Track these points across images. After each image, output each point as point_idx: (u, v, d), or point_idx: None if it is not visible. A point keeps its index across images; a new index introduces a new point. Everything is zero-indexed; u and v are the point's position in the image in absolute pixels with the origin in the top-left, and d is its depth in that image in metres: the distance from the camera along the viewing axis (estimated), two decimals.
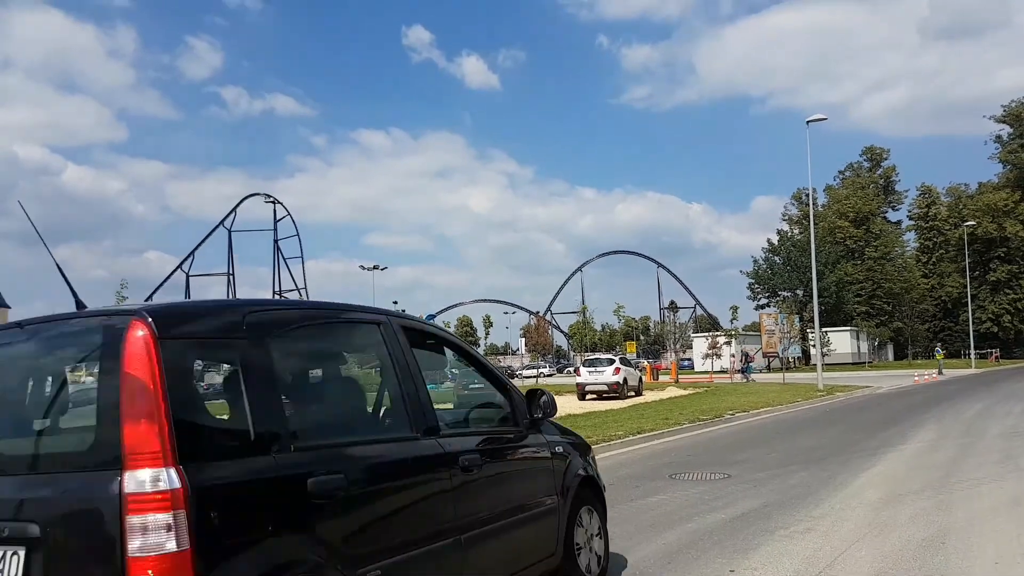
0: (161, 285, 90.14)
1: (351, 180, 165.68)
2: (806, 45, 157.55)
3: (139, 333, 2.61)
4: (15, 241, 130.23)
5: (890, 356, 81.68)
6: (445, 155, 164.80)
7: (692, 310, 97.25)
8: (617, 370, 27.49)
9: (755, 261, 77.67)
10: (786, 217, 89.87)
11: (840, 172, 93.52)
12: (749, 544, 5.93)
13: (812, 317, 41.94)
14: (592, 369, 28.41)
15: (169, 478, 2.46)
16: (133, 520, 2.41)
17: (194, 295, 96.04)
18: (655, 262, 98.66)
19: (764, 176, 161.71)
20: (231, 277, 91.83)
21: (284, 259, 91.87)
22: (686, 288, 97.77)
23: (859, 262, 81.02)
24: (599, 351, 75.38)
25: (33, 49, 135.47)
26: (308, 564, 2.81)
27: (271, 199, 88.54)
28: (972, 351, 60.51)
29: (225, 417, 2.92)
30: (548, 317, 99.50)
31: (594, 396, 27.33)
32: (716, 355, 54.13)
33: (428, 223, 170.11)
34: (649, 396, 27.57)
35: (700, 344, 67.01)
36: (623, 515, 6.96)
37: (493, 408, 4.64)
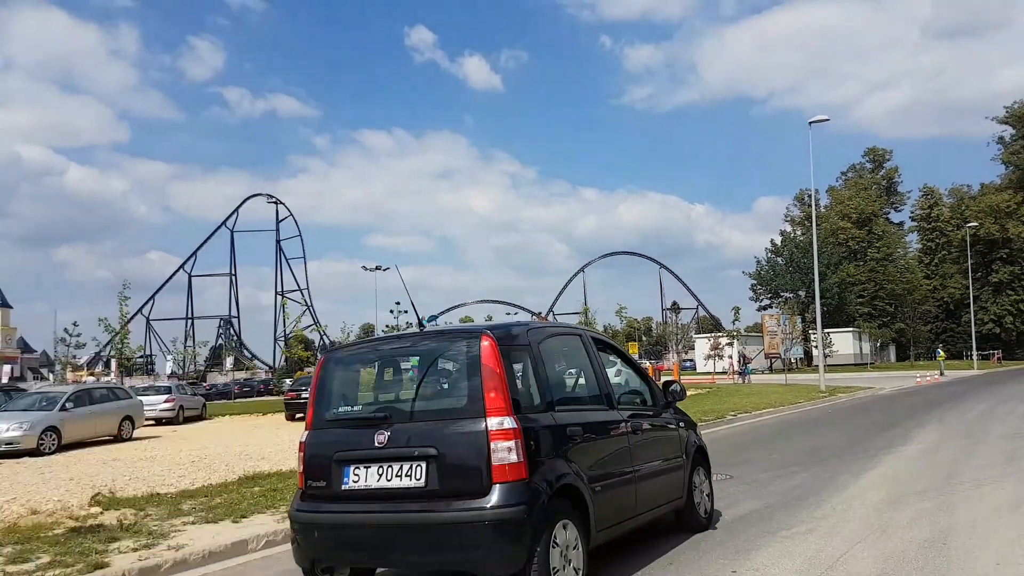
0: (163, 285, 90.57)
1: (353, 180, 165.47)
2: (808, 45, 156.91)
3: (486, 343, 4.61)
4: (15, 241, 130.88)
5: (892, 357, 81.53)
6: (447, 156, 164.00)
7: (694, 311, 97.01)
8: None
9: (757, 262, 77.91)
10: (788, 218, 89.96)
11: (842, 173, 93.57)
12: (751, 545, 5.94)
13: (814, 318, 41.88)
14: None
15: (511, 422, 4.42)
16: (494, 444, 4.36)
17: (194, 295, 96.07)
18: (657, 263, 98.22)
19: (766, 177, 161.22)
20: (233, 277, 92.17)
21: (286, 259, 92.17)
22: (688, 289, 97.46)
23: (861, 263, 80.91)
24: None
25: (35, 49, 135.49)
26: (571, 475, 4.70)
27: (273, 199, 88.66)
28: (974, 352, 60.40)
29: (528, 391, 4.84)
30: (550, 318, 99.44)
31: None
32: (718, 356, 54.12)
33: (430, 224, 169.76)
34: None
35: (702, 345, 67.05)
36: None
37: (638, 393, 6.44)
